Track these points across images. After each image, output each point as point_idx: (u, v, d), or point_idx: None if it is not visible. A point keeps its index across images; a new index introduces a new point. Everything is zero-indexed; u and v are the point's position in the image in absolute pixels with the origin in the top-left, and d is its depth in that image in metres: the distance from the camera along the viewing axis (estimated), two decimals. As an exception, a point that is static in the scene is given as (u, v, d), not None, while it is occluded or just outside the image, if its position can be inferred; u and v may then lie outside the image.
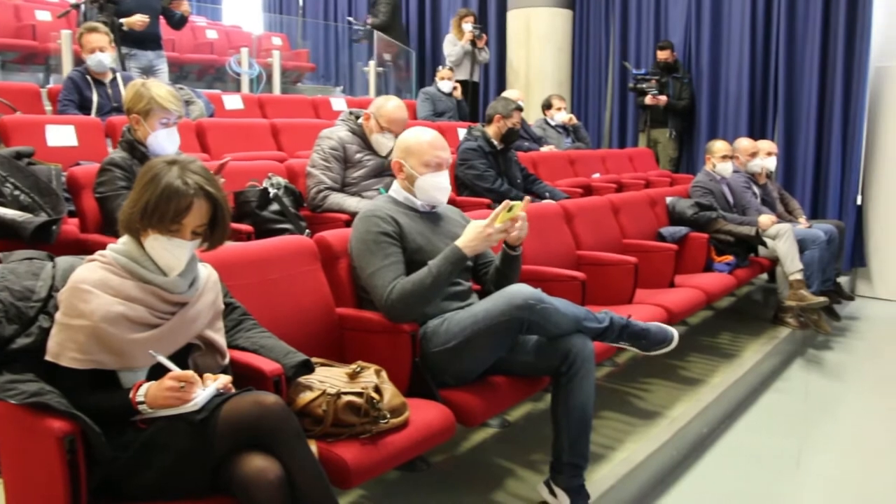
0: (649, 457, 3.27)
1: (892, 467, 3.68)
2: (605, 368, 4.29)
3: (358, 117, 4.09)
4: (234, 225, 3.37)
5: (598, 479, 3.00)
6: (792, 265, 5.21)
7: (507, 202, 2.68)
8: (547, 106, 7.37)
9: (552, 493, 2.73)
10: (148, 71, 6.12)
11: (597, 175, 6.43)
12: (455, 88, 7.78)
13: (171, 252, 2.02)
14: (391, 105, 4.03)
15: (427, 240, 2.84)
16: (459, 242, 2.68)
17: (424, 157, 2.88)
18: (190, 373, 1.89)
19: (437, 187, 2.91)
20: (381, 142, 4.02)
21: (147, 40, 6.18)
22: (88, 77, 4.89)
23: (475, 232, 2.68)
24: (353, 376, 2.31)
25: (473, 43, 8.19)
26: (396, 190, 2.96)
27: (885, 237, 7.21)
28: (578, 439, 2.68)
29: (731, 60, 7.94)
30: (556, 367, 2.66)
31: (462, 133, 5.30)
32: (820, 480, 3.52)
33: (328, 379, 2.29)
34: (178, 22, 6.57)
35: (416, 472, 2.94)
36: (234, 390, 1.97)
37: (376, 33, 9.35)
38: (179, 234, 2.01)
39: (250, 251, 2.71)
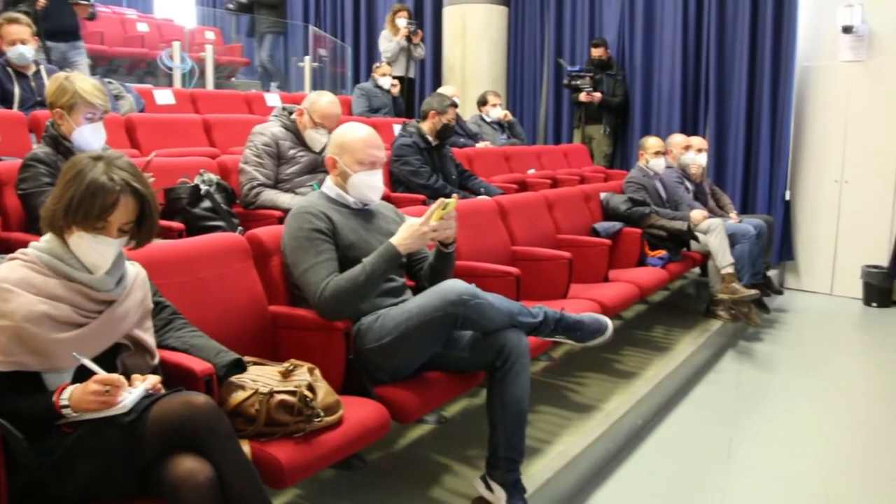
0: (585, 450, 3.30)
1: (819, 455, 3.78)
2: (541, 363, 4.31)
3: (291, 113, 4.05)
4: (165, 222, 3.31)
5: (535, 473, 3.02)
6: (723, 259, 5.31)
7: (441, 200, 2.68)
8: (482, 102, 7.40)
9: (489, 487, 2.73)
10: (62, 64, 5.78)
11: (532, 171, 6.46)
12: (395, 86, 7.76)
13: (97, 250, 1.97)
14: (324, 101, 3.99)
15: (360, 236, 2.82)
16: (394, 240, 2.67)
17: (359, 154, 2.86)
18: (115, 376, 1.83)
19: (370, 186, 2.90)
20: (315, 137, 3.98)
21: (59, 31, 5.81)
22: (10, 69, 4.72)
23: (410, 230, 2.68)
24: (286, 375, 2.28)
25: (409, 39, 8.16)
26: (329, 186, 2.93)
27: (812, 231, 7.42)
28: (514, 434, 2.69)
29: (663, 58, 8.07)
30: (491, 362, 2.67)
31: (398, 129, 5.28)
32: (750, 469, 3.59)
33: (261, 378, 2.25)
34: (87, 18, 6.18)
35: (352, 470, 2.89)
36: (163, 391, 1.93)
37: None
38: (105, 232, 1.96)
39: (180, 249, 2.65)
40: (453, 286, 2.59)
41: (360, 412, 2.42)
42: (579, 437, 3.41)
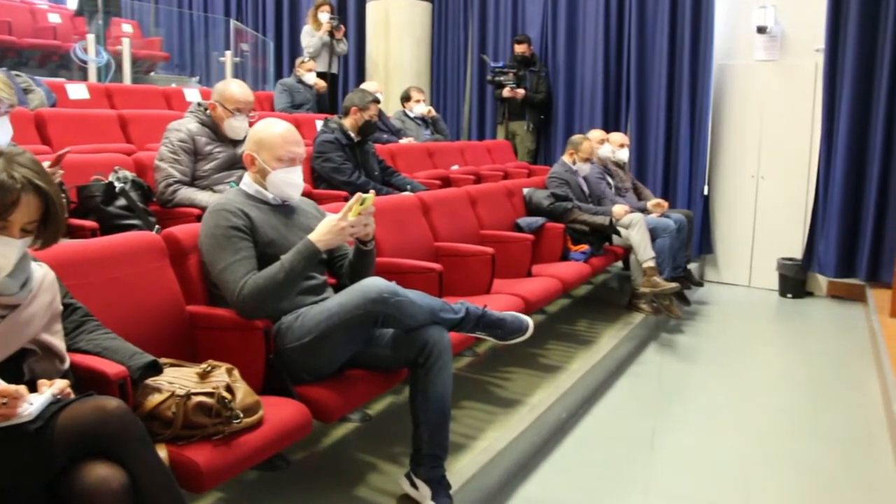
0: (510, 444, 3.31)
1: (738, 442, 3.87)
2: (466, 358, 4.32)
3: (207, 108, 3.96)
4: (78, 221, 3.21)
5: (460, 469, 3.02)
6: (645, 253, 5.39)
7: (359, 195, 2.65)
8: (406, 98, 7.37)
9: (413, 485, 2.73)
10: None
11: (455, 167, 6.47)
12: (322, 87, 7.67)
13: (-2, 251, 1.89)
14: (233, 87, 3.92)
15: (279, 233, 2.77)
16: (313, 237, 2.64)
17: (277, 151, 2.81)
18: (12, 388, 1.72)
19: (289, 183, 2.85)
20: (235, 126, 3.90)
21: None
22: None
23: (328, 226, 2.65)
24: (203, 376, 2.23)
25: (331, 34, 8.08)
26: (247, 183, 2.87)
27: (730, 225, 7.61)
28: (438, 430, 2.69)
29: (585, 56, 8.16)
30: (414, 359, 2.66)
31: (320, 125, 5.22)
32: (672, 458, 3.66)
33: (177, 380, 2.20)
34: None
35: (275, 471, 2.88)
36: (73, 396, 1.86)
37: None
38: (7, 232, 1.87)
39: (91, 248, 2.56)
40: (374, 284, 2.57)
41: (280, 412, 2.38)
42: (504, 431, 3.42)
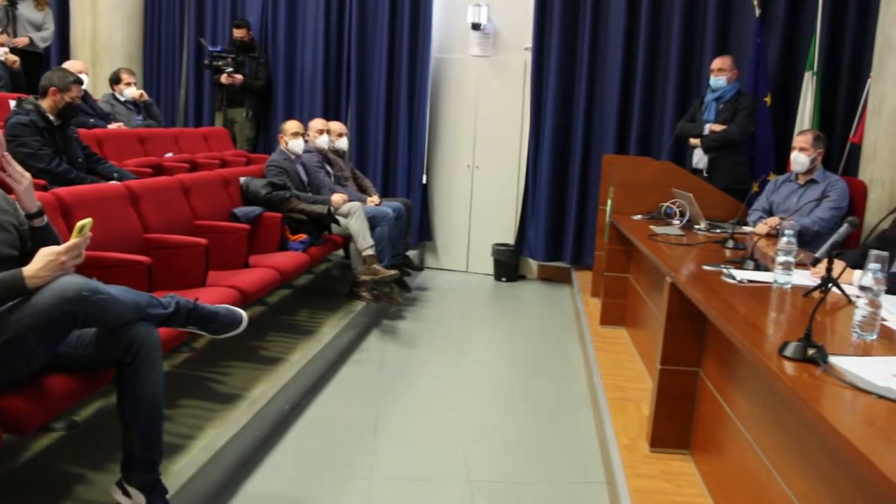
0: (231, 440, 3.24)
1: (457, 421, 4.06)
2: (182, 354, 4.14)
3: None
4: None
5: (178, 471, 2.91)
6: (364, 241, 5.46)
7: (78, 223, 2.42)
8: (115, 80, 6.95)
9: (126, 493, 2.58)
10: None
11: (169, 154, 6.19)
12: (14, 62, 6.98)
13: None
14: None
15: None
16: (28, 271, 2.33)
17: None
18: None
19: None
20: None
21: None
22: None
23: (46, 261, 2.35)
24: None
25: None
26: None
27: (448, 213, 7.95)
28: (150, 432, 2.56)
29: (306, 44, 8.14)
30: (120, 358, 2.51)
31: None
32: (395, 442, 3.76)
33: None
34: None
35: (-36, 496, 2.60)
36: None
37: None
38: None
39: None
40: (71, 282, 2.35)
41: (-39, 429, 2.14)
42: (224, 427, 3.33)
